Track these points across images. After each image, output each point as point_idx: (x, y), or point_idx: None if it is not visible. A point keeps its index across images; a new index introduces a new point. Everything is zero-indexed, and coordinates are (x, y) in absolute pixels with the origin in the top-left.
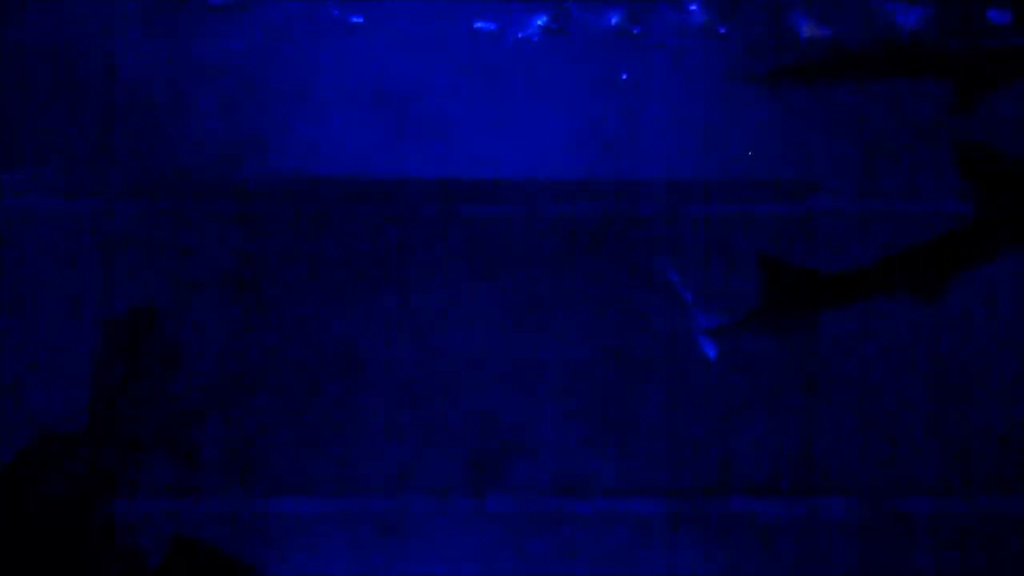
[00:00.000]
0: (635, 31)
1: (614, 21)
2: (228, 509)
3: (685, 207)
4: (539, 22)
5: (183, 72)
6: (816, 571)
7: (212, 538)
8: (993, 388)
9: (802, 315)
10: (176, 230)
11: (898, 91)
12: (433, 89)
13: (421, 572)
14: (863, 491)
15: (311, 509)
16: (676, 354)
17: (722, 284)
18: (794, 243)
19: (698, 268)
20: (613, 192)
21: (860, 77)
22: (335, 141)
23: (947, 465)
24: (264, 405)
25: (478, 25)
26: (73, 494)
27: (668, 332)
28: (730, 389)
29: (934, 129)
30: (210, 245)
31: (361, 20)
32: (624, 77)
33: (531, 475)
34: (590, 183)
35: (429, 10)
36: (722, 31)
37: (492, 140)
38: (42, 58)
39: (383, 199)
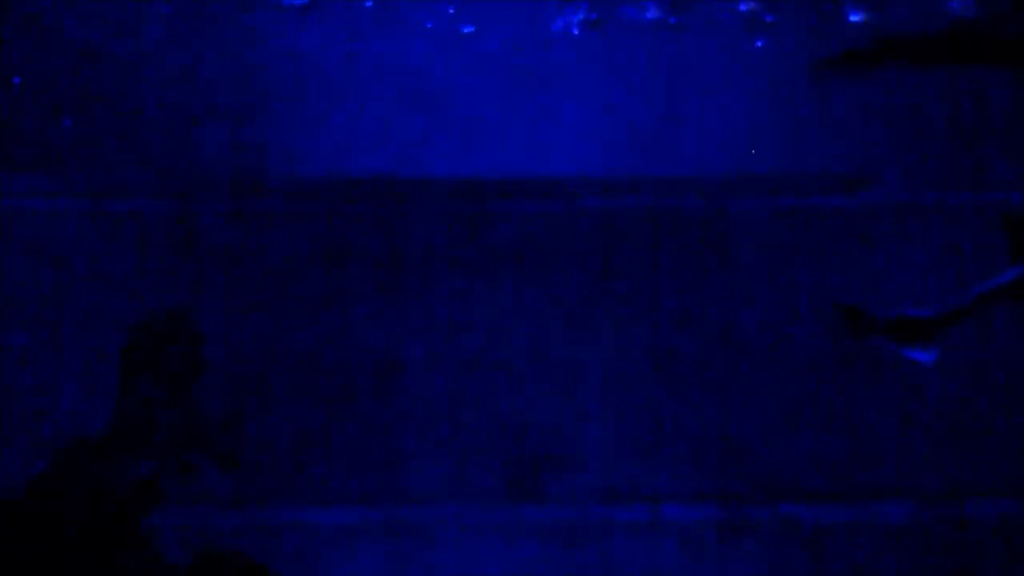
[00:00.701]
0: (674, 22)
1: (654, 14)
2: (263, 519)
3: (732, 202)
4: (577, 16)
5: (211, 74)
6: None
7: (246, 549)
8: None
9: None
10: (208, 231)
11: (956, 79)
12: (469, 86)
13: None
14: (920, 495)
15: (347, 519)
16: (725, 355)
17: (773, 279)
18: (848, 238)
19: (747, 264)
20: (656, 188)
21: (914, 65)
22: (370, 141)
23: (1010, 467)
24: (299, 412)
25: (514, 20)
26: (106, 502)
27: (716, 332)
28: (780, 391)
29: (996, 117)
30: (243, 247)
31: (397, 18)
32: (665, 70)
33: (574, 483)
34: (632, 179)
35: (464, 7)
36: (769, 20)
37: (531, 137)
38: (70, 58)
39: (420, 199)
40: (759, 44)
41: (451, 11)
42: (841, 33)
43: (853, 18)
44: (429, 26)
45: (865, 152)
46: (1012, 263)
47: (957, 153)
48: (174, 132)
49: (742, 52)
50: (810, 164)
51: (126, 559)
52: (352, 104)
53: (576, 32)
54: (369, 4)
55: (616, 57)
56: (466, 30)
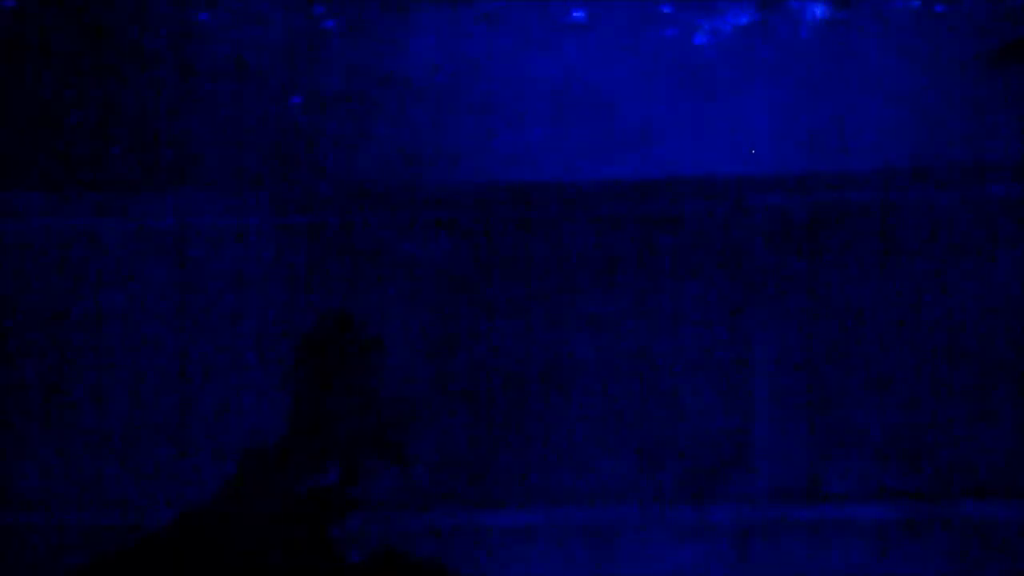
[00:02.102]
0: (843, 18)
1: (820, 10)
2: (438, 523)
3: (902, 195)
4: (743, 15)
5: (372, 81)
6: None
7: (424, 552)
8: None
9: None
10: (376, 242)
11: None
12: (634, 90)
13: None
14: None
15: (524, 521)
16: (901, 352)
17: (947, 273)
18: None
19: (920, 258)
20: (825, 184)
21: None
22: (536, 147)
23: None
24: (473, 416)
25: (680, 21)
26: (293, 510)
27: (892, 329)
28: (962, 385)
29: None
30: (410, 257)
31: (560, 22)
32: (832, 66)
33: (753, 483)
34: (800, 176)
35: (628, 9)
36: (939, 11)
37: (696, 139)
38: (213, 73)
39: (587, 204)
40: (929, 35)
41: (610, 14)
42: (1014, 20)
43: None
44: (593, 32)
45: None
46: None
47: None
48: (333, 145)
49: (911, 44)
50: (982, 155)
51: (315, 565)
52: (515, 110)
53: (742, 31)
54: (534, 8)
55: (782, 54)
56: (627, 34)
